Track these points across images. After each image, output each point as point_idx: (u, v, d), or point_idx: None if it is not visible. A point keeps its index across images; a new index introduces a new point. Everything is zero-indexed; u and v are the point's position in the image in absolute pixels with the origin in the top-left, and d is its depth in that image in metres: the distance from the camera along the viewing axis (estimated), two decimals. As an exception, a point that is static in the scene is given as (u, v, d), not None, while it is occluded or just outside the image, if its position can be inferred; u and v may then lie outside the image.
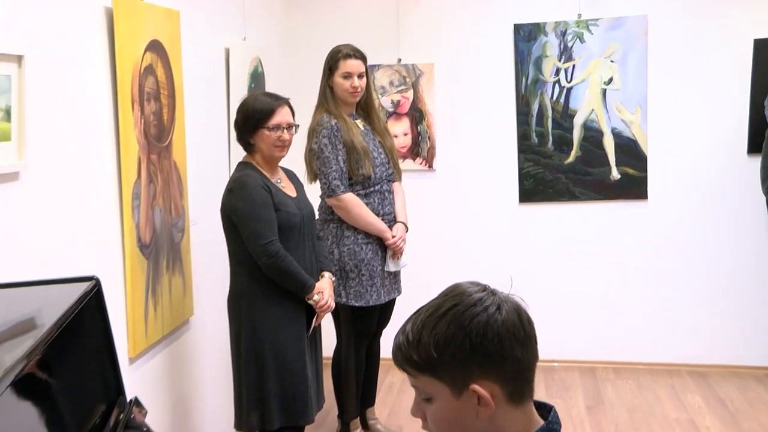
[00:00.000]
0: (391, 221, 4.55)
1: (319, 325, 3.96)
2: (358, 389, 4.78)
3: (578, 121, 5.87)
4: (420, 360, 1.49)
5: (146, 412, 2.32)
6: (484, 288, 1.56)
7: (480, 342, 1.46)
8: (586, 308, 5.99)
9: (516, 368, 1.50)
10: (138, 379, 3.54)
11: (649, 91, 5.75)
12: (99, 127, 3.26)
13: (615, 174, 5.84)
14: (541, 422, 1.58)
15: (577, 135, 5.88)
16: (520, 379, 1.52)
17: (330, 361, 4.73)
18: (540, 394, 4.59)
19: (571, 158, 5.90)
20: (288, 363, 3.76)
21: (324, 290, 3.81)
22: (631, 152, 5.81)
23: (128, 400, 2.29)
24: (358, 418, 4.87)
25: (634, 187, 5.84)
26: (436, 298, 1.56)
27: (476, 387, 1.46)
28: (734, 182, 5.69)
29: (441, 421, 1.54)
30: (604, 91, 5.82)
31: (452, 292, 1.55)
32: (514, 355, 1.49)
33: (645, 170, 5.80)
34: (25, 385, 1.64)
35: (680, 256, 5.83)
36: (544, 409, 1.62)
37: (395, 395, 5.51)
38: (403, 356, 1.53)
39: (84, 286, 2.13)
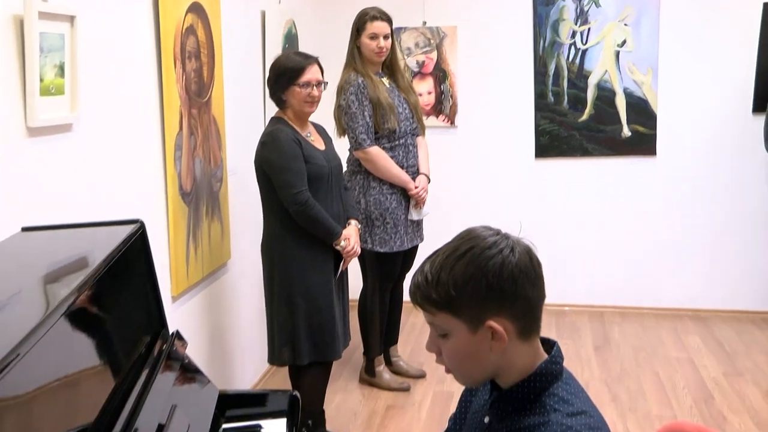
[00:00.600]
0: (415, 173, 4.57)
1: (346, 269, 4.00)
2: (382, 329, 4.83)
3: (592, 82, 5.85)
4: (439, 298, 1.52)
5: (186, 345, 2.37)
6: (497, 232, 1.59)
7: (496, 282, 1.50)
8: (596, 256, 6.02)
9: (527, 306, 1.54)
10: (180, 316, 3.60)
11: (661, 53, 5.72)
12: (144, 83, 3.29)
13: (626, 131, 5.84)
14: (546, 356, 1.61)
15: (590, 94, 5.87)
16: (530, 317, 1.56)
17: (357, 303, 4.78)
18: (551, 335, 4.66)
19: (584, 116, 5.90)
20: (317, 304, 3.79)
21: (350, 237, 3.84)
22: (642, 111, 5.80)
23: (170, 333, 2.35)
24: (382, 355, 4.91)
25: (643, 144, 5.83)
26: (452, 241, 1.59)
27: (492, 323, 1.50)
28: (738, 140, 5.68)
29: (456, 355, 1.57)
30: (618, 53, 5.79)
31: (467, 235, 1.58)
32: (525, 294, 1.53)
33: (654, 128, 5.80)
34: (77, 316, 1.68)
35: (684, 209, 5.84)
36: (548, 344, 1.65)
37: (417, 335, 5.56)
38: (422, 295, 1.55)
39: (130, 228, 2.18)
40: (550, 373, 1.58)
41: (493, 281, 1.50)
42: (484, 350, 1.54)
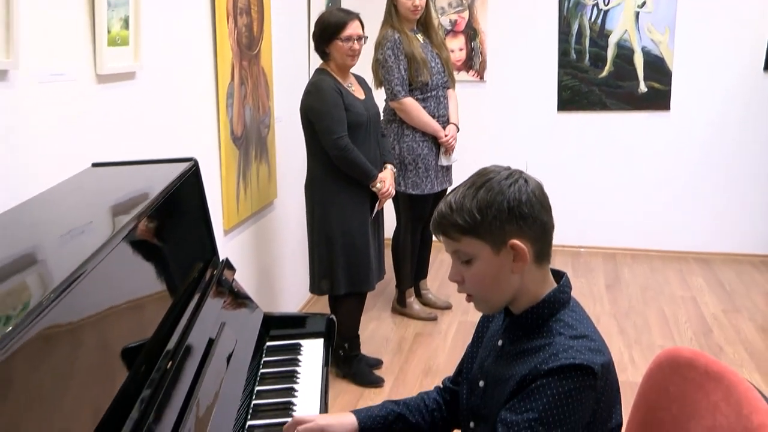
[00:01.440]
0: (445, 122, 4.57)
1: (382, 209, 4.02)
2: (412, 264, 4.87)
3: (612, 40, 5.80)
4: (464, 223, 1.54)
5: (235, 272, 2.41)
6: (509, 167, 1.62)
7: (516, 205, 1.53)
8: (611, 203, 6.01)
9: (542, 230, 1.57)
10: (230, 248, 3.65)
11: (678, 13, 5.65)
12: (199, 36, 3.31)
13: (642, 87, 5.79)
14: (555, 285, 1.64)
15: (610, 52, 5.82)
16: (544, 241, 1.59)
17: (390, 241, 4.82)
18: (568, 273, 4.63)
19: (604, 73, 5.85)
20: (353, 240, 3.83)
21: (386, 179, 3.86)
22: (658, 69, 5.75)
23: (221, 261, 2.39)
24: (413, 288, 4.97)
25: (658, 100, 5.79)
26: (469, 178, 1.61)
27: (515, 242, 1.53)
28: (749, 97, 5.63)
29: (480, 279, 1.59)
30: (637, 14, 5.72)
31: (483, 171, 1.61)
32: (541, 218, 1.56)
33: (669, 84, 5.75)
34: (136, 241, 1.73)
35: (694, 161, 5.80)
36: (558, 276, 1.68)
37: (444, 271, 5.56)
38: (448, 222, 1.57)
39: (185, 166, 2.21)
40: (558, 300, 1.62)
41: (513, 204, 1.53)
42: (505, 272, 1.57)
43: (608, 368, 1.55)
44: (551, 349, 1.53)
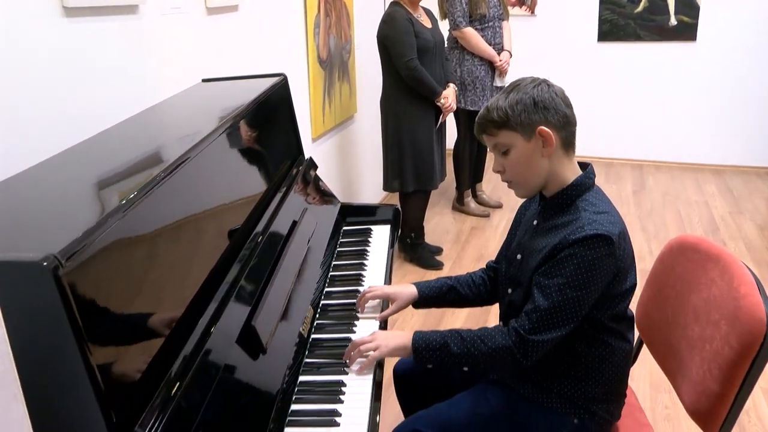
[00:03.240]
0: (500, 49, 4.43)
1: (444, 122, 3.97)
2: (470, 170, 4.84)
3: (647, -21, 5.51)
4: (498, 119, 1.56)
5: (317, 168, 2.41)
6: (533, 76, 1.62)
7: (541, 99, 1.55)
8: (640, 121, 5.81)
9: (565, 120, 1.57)
10: (318, 153, 3.67)
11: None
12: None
13: (673, 21, 5.50)
14: (582, 172, 1.63)
15: (646, -11, 5.54)
16: (568, 130, 1.59)
17: (452, 150, 4.80)
18: (600, 182, 4.53)
19: (639, 8, 5.57)
20: (420, 146, 3.81)
21: (448, 96, 3.79)
22: (687, 3, 5.44)
23: (306, 160, 2.40)
24: (470, 189, 4.95)
25: (686, 32, 5.49)
26: (500, 92, 1.62)
27: (542, 128, 1.54)
28: (761, 28, 5.34)
29: (517, 164, 1.60)
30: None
31: (513, 81, 1.62)
32: (563, 111, 1.56)
33: (697, 18, 5.44)
34: (234, 137, 1.75)
35: (712, 85, 5.55)
36: (584, 166, 1.66)
37: (497, 176, 5.55)
38: (486, 120, 1.59)
39: (276, 79, 2.20)
40: (584, 184, 1.61)
41: (538, 99, 1.55)
42: (537, 156, 1.58)
43: (624, 237, 1.56)
44: (578, 223, 1.53)
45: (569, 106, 1.59)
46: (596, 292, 1.52)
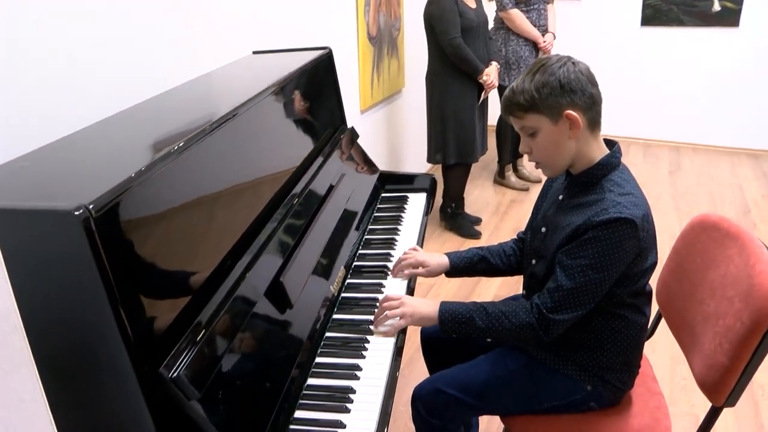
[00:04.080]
0: (544, 31, 4.30)
1: (487, 98, 3.88)
2: (512, 145, 4.74)
3: (693, -36, 5.26)
4: (525, 102, 1.47)
5: (358, 137, 2.36)
6: (559, 54, 1.52)
7: (567, 81, 1.45)
8: (680, 103, 5.58)
9: (591, 101, 1.48)
10: (365, 125, 3.64)
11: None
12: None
13: (716, 7, 5.23)
14: (608, 151, 1.55)
15: (691, -26, 5.29)
16: (595, 111, 1.50)
17: (494, 126, 4.72)
18: (638, 162, 4.39)
19: (683, -7, 5.36)
20: (463, 121, 3.74)
21: (490, 73, 3.70)
22: (731, -10, 5.21)
23: (348, 128, 2.37)
24: (511, 164, 4.87)
25: (729, 17, 5.21)
26: (527, 69, 1.53)
27: (569, 112, 1.46)
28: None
29: (543, 147, 1.52)
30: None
31: (538, 60, 1.52)
32: (589, 91, 1.47)
33: (741, 3, 5.16)
34: (278, 101, 1.73)
35: (753, 71, 5.27)
36: (611, 145, 1.58)
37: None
38: (513, 103, 1.50)
39: (321, 52, 2.17)
40: (610, 163, 1.52)
41: (564, 81, 1.45)
42: (564, 139, 1.49)
43: (647, 218, 1.48)
44: (602, 204, 1.46)
45: (595, 84, 1.49)
46: (617, 273, 1.47)
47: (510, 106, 1.52)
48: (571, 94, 1.45)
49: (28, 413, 0.66)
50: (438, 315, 1.61)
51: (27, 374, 0.64)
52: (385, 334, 1.60)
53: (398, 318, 1.62)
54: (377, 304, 1.71)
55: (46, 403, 0.68)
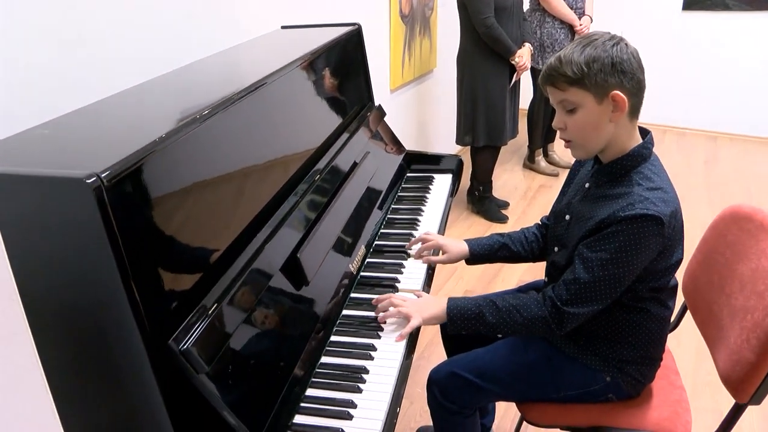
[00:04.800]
0: (581, 14, 4.20)
1: (519, 80, 3.81)
2: (543, 129, 4.67)
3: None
4: (572, 74, 1.38)
5: (385, 115, 2.33)
6: (610, 32, 1.44)
7: (620, 61, 1.37)
8: (718, 91, 5.43)
9: (639, 86, 1.41)
10: (395, 104, 3.61)
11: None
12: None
13: (763, -10, 5.08)
14: (641, 141, 1.48)
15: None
16: (638, 97, 1.42)
17: (526, 109, 4.65)
18: (672, 151, 4.30)
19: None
20: (493, 103, 3.67)
21: (523, 55, 3.63)
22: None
23: (375, 106, 2.34)
24: (542, 148, 4.80)
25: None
26: (576, 40, 1.45)
27: (616, 92, 1.38)
28: None
29: (582, 125, 1.43)
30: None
31: (588, 34, 1.43)
32: (638, 76, 1.40)
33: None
34: (306, 74, 1.71)
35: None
36: (644, 133, 1.51)
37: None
38: (557, 73, 1.41)
39: (350, 28, 2.14)
40: (641, 154, 1.45)
41: (617, 60, 1.37)
42: (604, 120, 1.41)
43: (675, 215, 1.41)
44: (629, 199, 1.39)
45: (643, 70, 1.42)
46: (638, 269, 1.42)
47: (553, 75, 1.42)
48: (621, 74, 1.37)
49: (24, 382, 0.65)
50: (446, 312, 1.56)
51: (23, 342, 0.63)
52: (398, 340, 1.51)
53: (406, 323, 1.55)
54: (396, 286, 1.69)
55: (42, 371, 0.67)
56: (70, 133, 1.20)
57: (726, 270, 1.57)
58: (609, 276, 1.41)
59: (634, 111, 1.44)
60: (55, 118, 1.28)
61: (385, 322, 1.55)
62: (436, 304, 1.58)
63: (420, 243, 1.87)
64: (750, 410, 2.36)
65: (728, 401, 1.48)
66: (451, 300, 1.58)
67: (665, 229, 1.37)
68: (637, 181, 1.43)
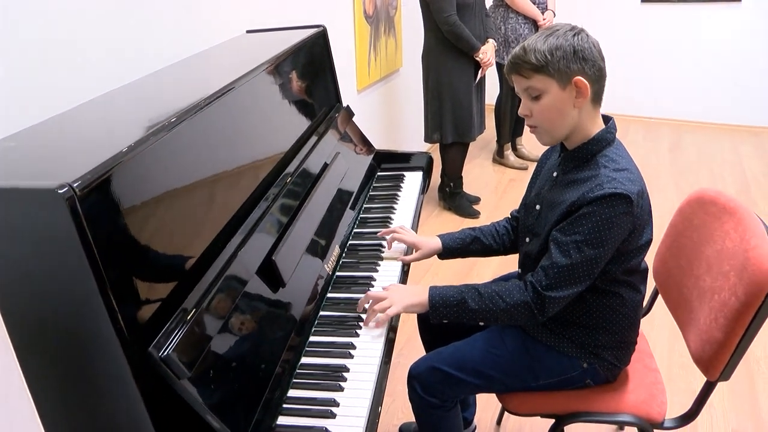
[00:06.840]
0: (544, 9, 4.26)
1: (484, 76, 3.85)
2: (511, 124, 4.73)
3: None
4: (536, 61, 1.42)
5: (353, 115, 2.34)
6: (571, 24, 1.49)
7: (581, 49, 1.42)
8: (681, 81, 5.55)
9: (600, 74, 1.46)
10: (363, 105, 3.61)
11: None
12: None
13: (717, -18, 5.21)
14: (604, 126, 1.52)
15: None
16: (600, 84, 1.47)
17: (494, 105, 4.70)
18: (639, 139, 4.38)
19: (684, -31, 5.29)
20: (459, 100, 3.71)
21: (487, 51, 3.66)
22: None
23: (342, 107, 2.35)
24: (510, 143, 4.85)
25: (732, -7, 5.20)
26: (539, 31, 1.49)
27: (579, 78, 1.42)
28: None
29: (547, 111, 1.47)
30: None
31: (551, 26, 1.48)
32: (600, 64, 1.45)
33: (742, -20, 5.14)
34: (272, 78, 1.71)
35: (754, 47, 5.24)
36: (606, 120, 1.55)
37: (536, 131, 5.43)
38: (522, 61, 1.45)
39: (315, 30, 2.15)
40: (605, 138, 1.50)
41: (578, 48, 1.42)
42: (568, 106, 1.46)
43: (642, 195, 1.46)
44: (597, 180, 1.43)
45: (603, 59, 1.47)
46: (613, 248, 1.45)
47: (518, 64, 1.47)
48: (582, 61, 1.42)
49: (7, 393, 0.65)
50: (428, 300, 1.58)
51: (3, 353, 0.63)
52: (376, 327, 1.54)
53: (386, 308, 1.57)
54: (372, 284, 1.71)
55: (25, 382, 0.67)
56: (37, 144, 1.20)
57: (694, 253, 1.61)
58: (585, 257, 1.44)
59: (597, 97, 1.48)
60: (20, 130, 1.27)
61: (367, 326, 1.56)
62: (417, 292, 1.60)
63: (393, 237, 1.89)
64: (720, 386, 2.42)
65: (700, 380, 1.52)
66: (432, 288, 1.59)
67: (634, 207, 1.41)
68: (603, 164, 1.47)
